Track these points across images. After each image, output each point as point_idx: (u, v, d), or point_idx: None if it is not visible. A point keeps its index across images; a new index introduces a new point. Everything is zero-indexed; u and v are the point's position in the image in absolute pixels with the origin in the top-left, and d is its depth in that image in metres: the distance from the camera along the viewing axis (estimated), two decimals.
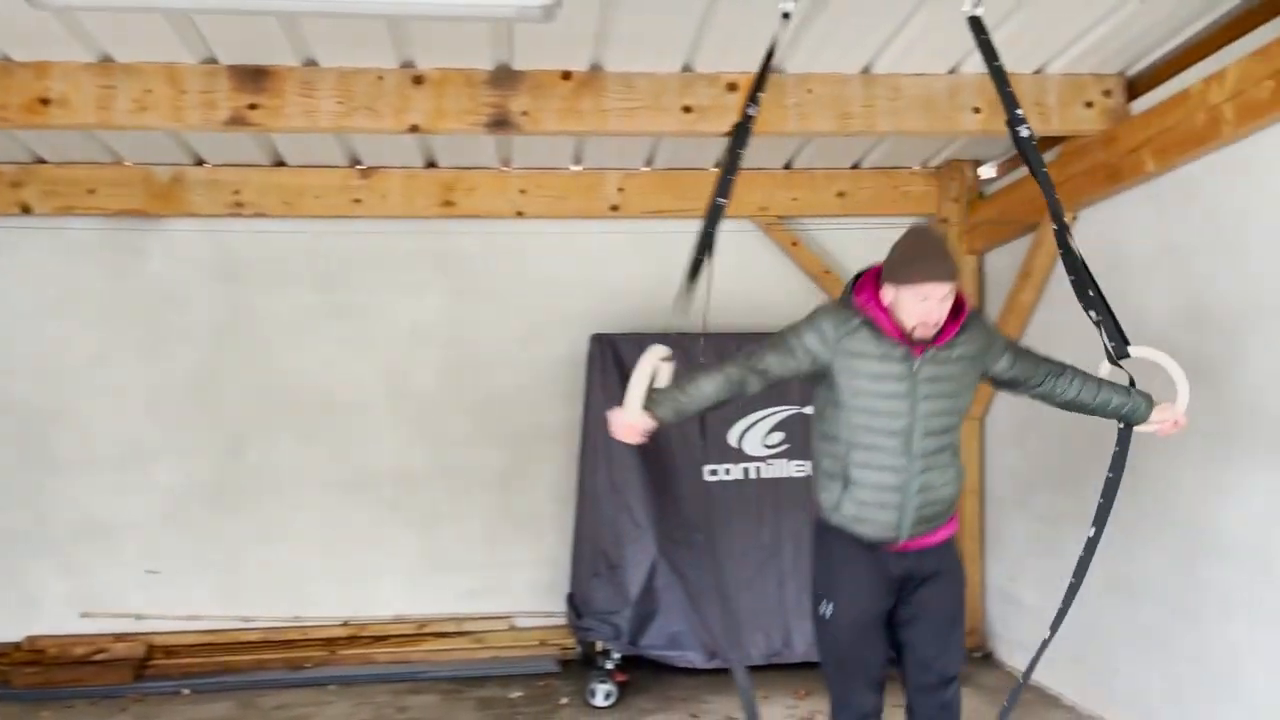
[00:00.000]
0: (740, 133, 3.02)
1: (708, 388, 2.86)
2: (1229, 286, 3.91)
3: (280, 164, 5.80)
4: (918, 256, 2.83)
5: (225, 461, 5.99)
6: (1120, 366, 2.93)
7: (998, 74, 2.86)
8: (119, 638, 5.75)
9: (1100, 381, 3.08)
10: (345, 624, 6.00)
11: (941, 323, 2.82)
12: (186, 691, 5.45)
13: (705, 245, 2.89)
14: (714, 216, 2.91)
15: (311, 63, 4.24)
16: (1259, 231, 3.75)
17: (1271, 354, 3.67)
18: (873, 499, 2.87)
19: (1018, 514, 5.63)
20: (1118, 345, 2.85)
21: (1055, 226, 2.93)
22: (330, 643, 5.93)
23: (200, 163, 5.73)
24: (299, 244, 6.06)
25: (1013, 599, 5.71)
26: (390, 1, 3.21)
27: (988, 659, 5.92)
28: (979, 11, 2.84)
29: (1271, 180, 3.68)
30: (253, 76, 4.21)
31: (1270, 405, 3.69)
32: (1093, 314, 2.92)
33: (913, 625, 3.00)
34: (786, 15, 3.02)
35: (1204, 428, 4.04)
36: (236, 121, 4.24)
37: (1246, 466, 3.82)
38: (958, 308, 2.88)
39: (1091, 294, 2.87)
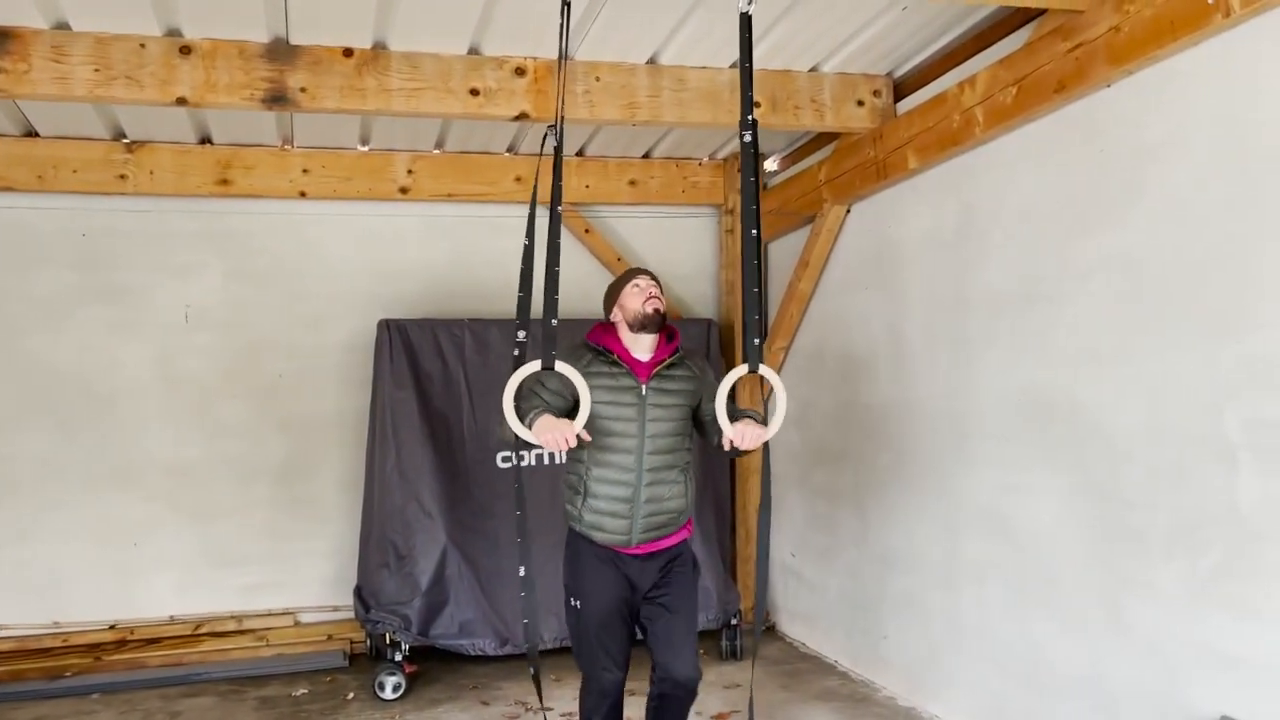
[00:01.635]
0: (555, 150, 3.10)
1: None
2: (980, 275, 4.23)
3: (32, 134, 5.37)
4: (622, 273, 3.52)
5: None
6: (757, 373, 2.95)
7: (745, 75, 2.95)
8: None
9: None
10: (112, 628, 5.62)
11: (663, 300, 3.39)
12: None
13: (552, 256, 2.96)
14: (555, 228, 2.98)
15: (63, 25, 3.93)
16: (1004, 226, 4.07)
17: (1015, 337, 4.00)
18: (606, 509, 3.29)
19: (798, 491, 5.91)
20: (754, 357, 2.93)
21: (755, 231, 2.93)
22: (95, 649, 5.54)
23: None
24: (55, 221, 5.62)
25: (794, 572, 5.99)
26: None
27: (770, 630, 6.19)
28: (751, 9, 2.93)
29: (1013, 179, 4.00)
30: None
31: (1010, 386, 4.02)
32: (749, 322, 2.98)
33: (651, 629, 3.39)
34: (566, 3, 3.01)
35: (957, 408, 4.38)
36: None
37: (991, 442, 4.15)
38: (672, 335, 3.45)
39: (757, 317, 2.94)
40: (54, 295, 5.61)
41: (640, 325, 3.34)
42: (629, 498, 3.26)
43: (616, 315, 3.42)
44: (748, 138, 2.96)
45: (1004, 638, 4.09)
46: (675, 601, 3.38)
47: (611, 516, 3.28)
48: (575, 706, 4.80)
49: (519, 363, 3.02)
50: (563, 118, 3.11)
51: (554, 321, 2.95)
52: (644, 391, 3.28)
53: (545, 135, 3.13)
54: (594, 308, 5.95)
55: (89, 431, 5.64)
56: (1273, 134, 2.91)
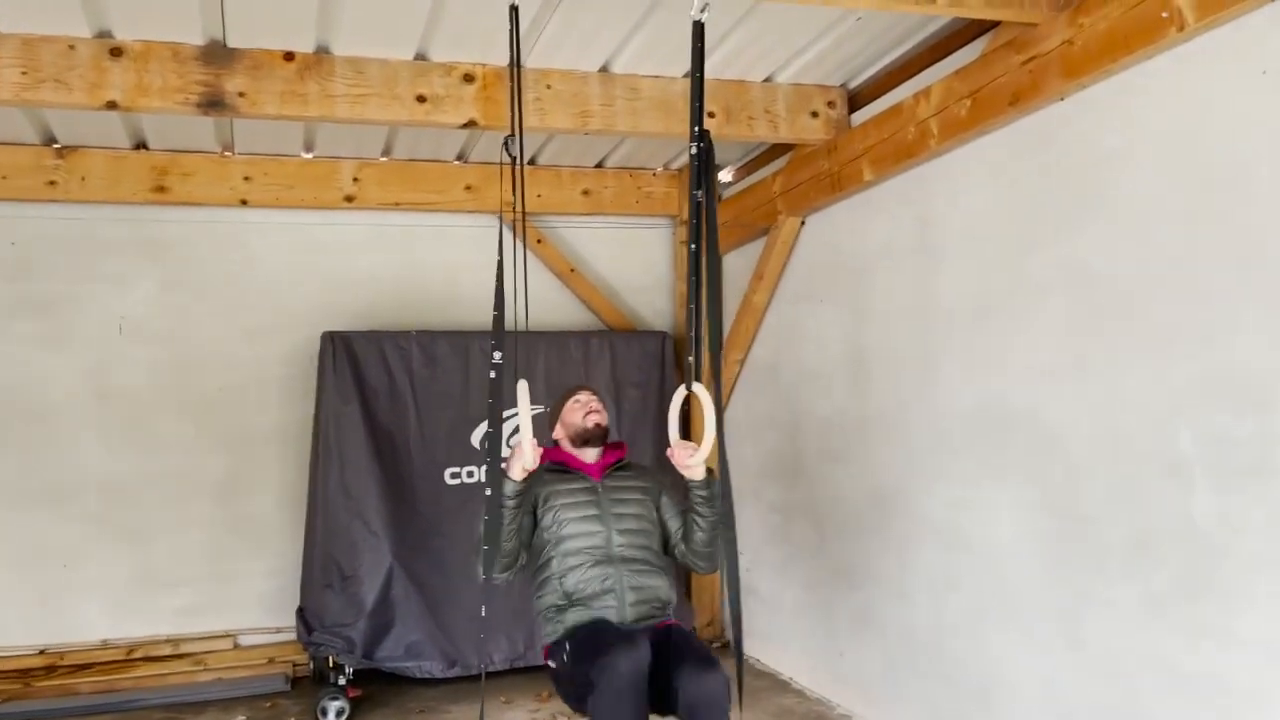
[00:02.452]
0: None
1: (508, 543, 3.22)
2: (936, 288, 4.19)
3: None
4: (563, 395, 3.62)
5: None
6: (692, 392, 2.91)
7: (697, 85, 2.87)
8: None
9: (689, 521, 3.37)
10: (41, 653, 5.38)
11: (604, 413, 3.50)
12: None
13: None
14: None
15: None
16: (960, 238, 4.03)
17: (971, 350, 3.96)
18: (597, 604, 3.21)
19: (753, 505, 5.83)
20: (689, 374, 2.93)
21: (693, 245, 2.80)
22: (24, 675, 5.30)
23: None
24: None
25: (750, 588, 5.90)
26: None
27: (726, 647, 6.10)
28: (704, 17, 2.85)
29: (969, 191, 3.97)
30: None
31: (966, 399, 3.98)
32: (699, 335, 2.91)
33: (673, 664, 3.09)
34: (514, 8, 2.91)
35: (913, 422, 4.33)
36: None
37: (947, 456, 4.11)
38: (619, 446, 3.60)
39: (709, 330, 2.82)
40: None
41: (583, 440, 3.45)
42: (612, 588, 3.23)
43: (559, 433, 3.53)
44: (693, 149, 2.85)
45: (960, 654, 4.04)
46: (679, 639, 3.21)
47: (603, 607, 3.21)
48: None
49: (496, 384, 2.83)
50: (521, 128, 2.98)
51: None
52: (600, 488, 3.38)
53: (504, 144, 3.01)
54: (545, 320, 5.90)
55: (17, 448, 5.41)
56: (1227, 148, 2.89)
